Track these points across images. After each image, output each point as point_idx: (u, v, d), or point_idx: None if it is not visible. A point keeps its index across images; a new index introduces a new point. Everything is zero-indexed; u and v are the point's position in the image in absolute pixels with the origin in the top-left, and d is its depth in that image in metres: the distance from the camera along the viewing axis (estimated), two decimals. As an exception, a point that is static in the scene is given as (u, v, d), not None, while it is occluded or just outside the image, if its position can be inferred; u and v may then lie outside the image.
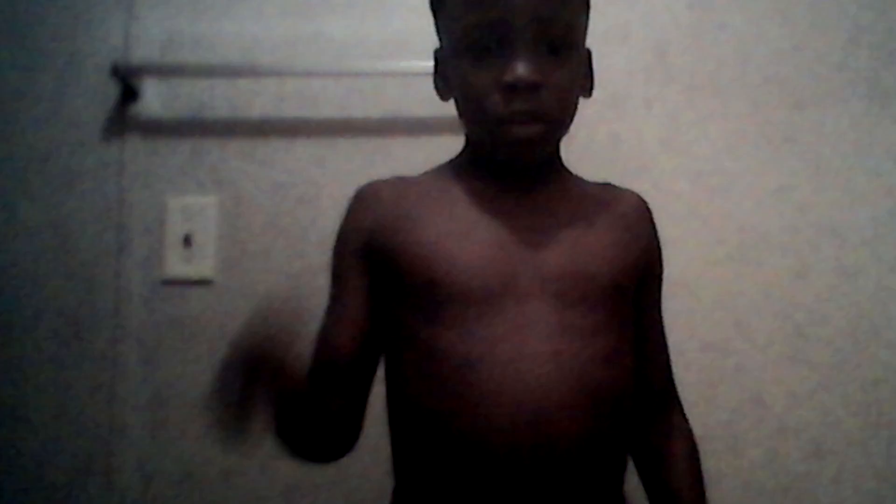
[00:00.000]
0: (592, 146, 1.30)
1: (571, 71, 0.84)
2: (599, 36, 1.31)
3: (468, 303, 0.81)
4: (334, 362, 0.87)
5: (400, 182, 0.90)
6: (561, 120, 0.85)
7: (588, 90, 0.91)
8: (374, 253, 0.87)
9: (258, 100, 1.35)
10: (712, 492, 1.25)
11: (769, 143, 1.32)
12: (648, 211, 0.94)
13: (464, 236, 0.83)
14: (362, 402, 0.89)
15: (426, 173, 0.93)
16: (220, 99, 1.35)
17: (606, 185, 0.95)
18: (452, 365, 0.80)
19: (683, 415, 0.96)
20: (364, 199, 0.90)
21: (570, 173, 0.94)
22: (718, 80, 1.33)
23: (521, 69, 0.80)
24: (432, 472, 0.82)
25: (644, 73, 1.33)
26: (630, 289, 0.88)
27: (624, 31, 1.34)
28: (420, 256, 0.83)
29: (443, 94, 0.91)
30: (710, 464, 1.26)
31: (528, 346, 0.80)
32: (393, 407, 0.87)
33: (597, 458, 0.81)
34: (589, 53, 0.91)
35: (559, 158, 0.93)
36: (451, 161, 0.93)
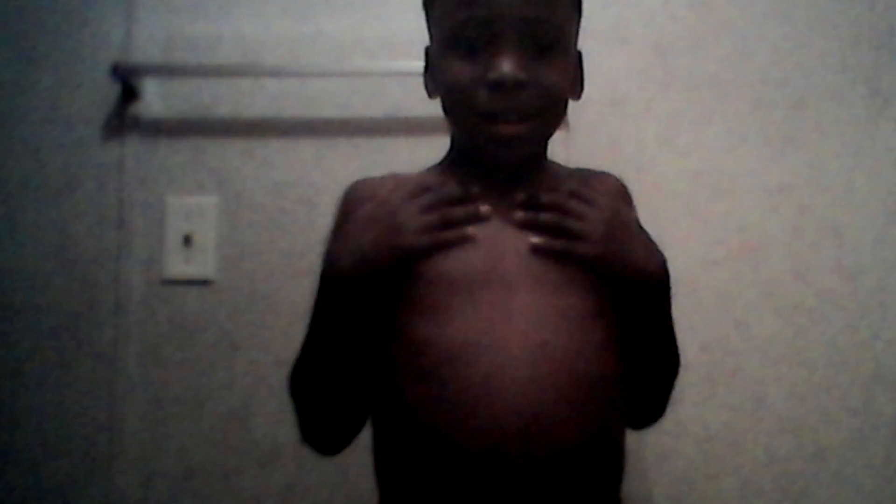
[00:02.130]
0: (592, 146, 1.30)
1: (559, 72, 0.84)
2: (599, 36, 1.32)
3: (453, 292, 0.80)
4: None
5: (389, 181, 0.89)
6: (546, 120, 0.84)
7: (577, 93, 0.90)
8: None
9: (258, 100, 1.35)
10: (712, 492, 1.26)
11: (769, 143, 1.32)
12: (625, 191, 0.94)
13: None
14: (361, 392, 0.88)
15: (419, 173, 0.92)
16: (220, 99, 1.35)
17: (582, 171, 0.94)
18: (437, 357, 0.78)
19: None
20: (353, 200, 0.89)
21: (551, 162, 0.93)
22: (718, 80, 1.33)
23: (506, 67, 0.79)
24: (417, 471, 0.79)
25: (644, 73, 1.33)
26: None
27: (624, 32, 1.34)
28: None
29: (431, 91, 0.90)
30: (710, 464, 1.26)
31: (515, 335, 0.78)
32: (377, 403, 0.85)
33: (590, 454, 0.79)
34: (580, 55, 0.90)
35: (544, 154, 0.92)
36: (439, 163, 0.93)
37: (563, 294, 0.81)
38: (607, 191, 0.90)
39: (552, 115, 0.85)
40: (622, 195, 0.93)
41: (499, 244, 0.83)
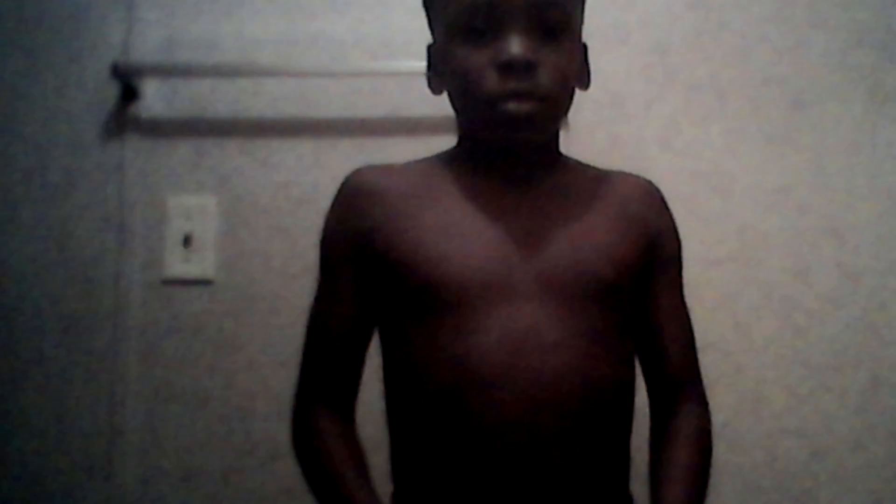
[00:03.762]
0: (592, 146, 1.30)
1: (567, 55, 0.84)
2: (599, 36, 1.32)
3: (464, 305, 0.80)
4: (329, 355, 0.88)
5: (389, 173, 0.89)
6: (556, 101, 0.84)
7: (585, 83, 0.91)
8: (365, 255, 0.86)
9: (258, 100, 1.35)
10: (712, 491, 1.26)
11: (769, 143, 1.32)
12: (656, 194, 0.92)
13: (459, 236, 0.83)
14: (356, 386, 0.89)
15: (417, 162, 0.91)
16: (221, 99, 1.35)
17: (612, 172, 0.93)
18: (448, 368, 0.80)
19: (699, 400, 0.91)
20: (352, 193, 0.88)
21: (571, 161, 0.93)
22: (718, 80, 1.33)
23: (515, 48, 0.80)
24: (431, 473, 0.82)
25: (644, 73, 1.33)
26: (629, 284, 0.86)
27: (624, 31, 1.34)
28: (414, 259, 0.82)
29: (435, 88, 0.90)
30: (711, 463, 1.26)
31: (524, 348, 0.79)
32: (392, 411, 0.87)
33: (596, 454, 0.82)
34: (585, 48, 0.91)
35: (557, 149, 0.91)
36: (444, 153, 0.92)
37: (571, 306, 0.82)
38: (625, 193, 0.90)
39: (561, 97, 0.85)
40: (649, 198, 0.91)
41: (509, 256, 0.82)
